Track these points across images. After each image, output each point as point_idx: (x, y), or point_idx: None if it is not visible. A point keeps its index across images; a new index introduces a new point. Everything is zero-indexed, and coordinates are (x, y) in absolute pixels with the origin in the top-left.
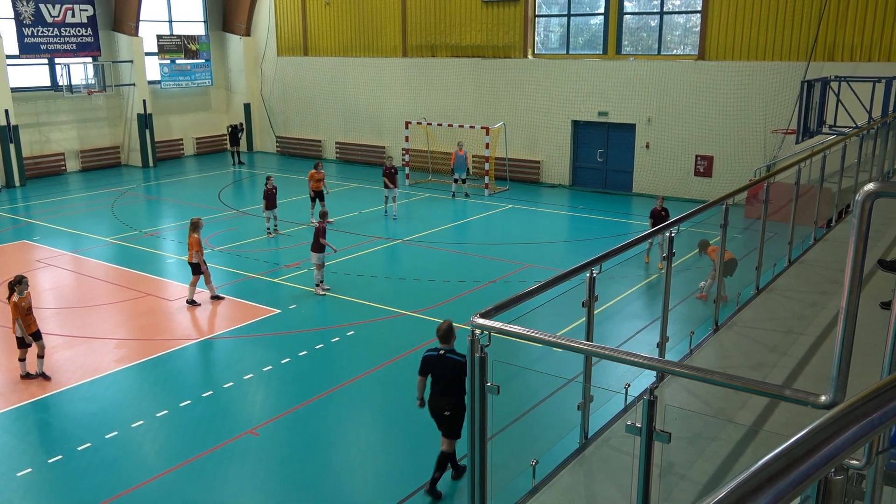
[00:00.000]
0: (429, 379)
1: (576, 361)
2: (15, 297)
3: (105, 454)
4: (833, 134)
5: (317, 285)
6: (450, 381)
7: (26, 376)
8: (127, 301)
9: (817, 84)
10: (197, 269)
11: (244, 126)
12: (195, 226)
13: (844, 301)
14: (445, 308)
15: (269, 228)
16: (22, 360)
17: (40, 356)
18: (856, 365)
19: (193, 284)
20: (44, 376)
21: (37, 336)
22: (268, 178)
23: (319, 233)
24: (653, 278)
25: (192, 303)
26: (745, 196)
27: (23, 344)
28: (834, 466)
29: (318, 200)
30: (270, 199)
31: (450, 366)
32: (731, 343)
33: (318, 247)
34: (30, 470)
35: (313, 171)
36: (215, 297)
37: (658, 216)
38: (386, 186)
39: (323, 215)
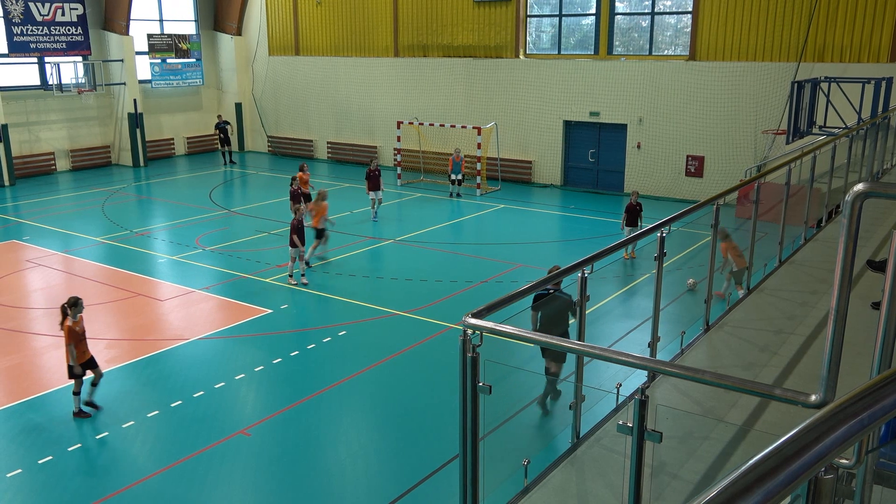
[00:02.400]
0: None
1: (567, 361)
2: (69, 322)
3: (95, 455)
4: (823, 134)
5: (290, 275)
6: (558, 315)
7: (79, 413)
8: (117, 301)
9: (807, 85)
10: (321, 233)
11: (226, 122)
12: (323, 196)
13: (834, 301)
14: (437, 308)
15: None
16: (76, 393)
17: (94, 384)
18: (845, 364)
19: (315, 247)
20: (92, 405)
21: (91, 364)
22: (293, 179)
23: (293, 228)
24: (644, 278)
25: (307, 265)
26: (735, 196)
27: (73, 373)
28: (824, 465)
29: (304, 202)
30: (296, 199)
31: (560, 302)
32: (721, 343)
33: (293, 241)
34: (20, 471)
35: (300, 173)
36: (308, 264)
37: (633, 210)
38: (368, 189)
39: (296, 211)
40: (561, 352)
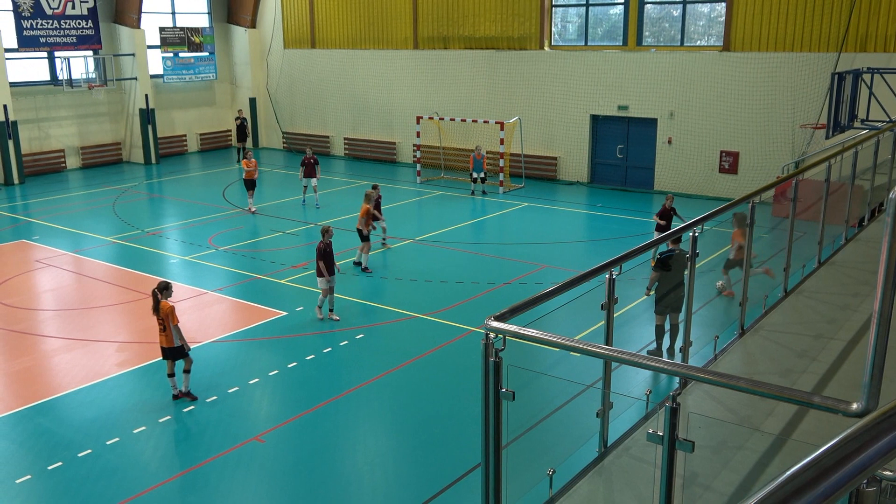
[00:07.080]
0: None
1: (595, 367)
2: (170, 302)
3: (106, 461)
4: (865, 128)
5: (319, 307)
6: (681, 272)
7: (186, 394)
8: (129, 303)
9: (848, 76)
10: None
11: (245, 118)
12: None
13: (877, 304)
14: (458, 310)
15: (384, 239)
16: (171, 375)
17: (187, 371)
18: (889, 371)
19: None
20: (190, 395)
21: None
22: (374, 187)
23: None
24: None
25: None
26: (772, 194)
27: (181, 354)
28: (866, 477)
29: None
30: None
31: (686, 257)
32: (757, 348)
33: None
34: (29, 477)
35: (245, 160)
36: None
37: (667, 215)
38: (304, 175)
39: (324, 232)
40: (676, 303)
